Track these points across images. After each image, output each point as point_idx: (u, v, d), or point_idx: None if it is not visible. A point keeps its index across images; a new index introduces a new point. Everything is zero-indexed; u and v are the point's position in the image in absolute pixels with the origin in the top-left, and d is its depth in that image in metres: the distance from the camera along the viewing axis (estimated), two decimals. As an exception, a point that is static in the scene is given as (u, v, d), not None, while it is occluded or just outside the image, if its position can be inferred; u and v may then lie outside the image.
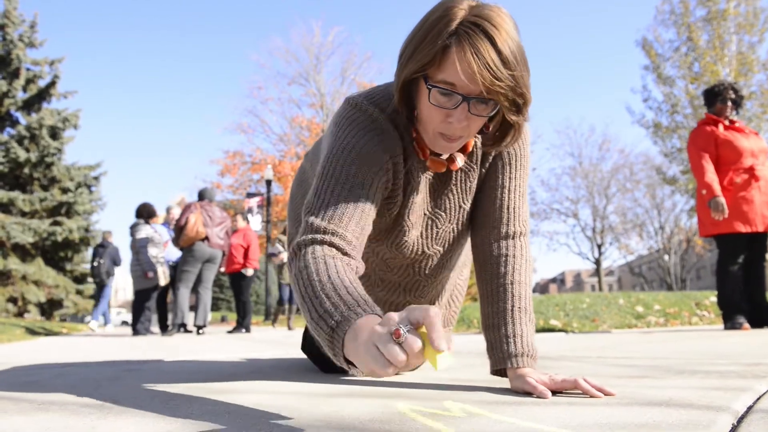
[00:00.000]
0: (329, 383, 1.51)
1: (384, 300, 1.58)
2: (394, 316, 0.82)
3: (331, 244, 1.13)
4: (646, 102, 20.01)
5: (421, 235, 1.42)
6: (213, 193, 7.76)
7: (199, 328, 7.12)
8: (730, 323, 4.24)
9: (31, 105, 19.33)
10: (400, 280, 1.52)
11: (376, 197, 1.24)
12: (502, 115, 1.20)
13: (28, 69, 19.52)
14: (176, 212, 8.07)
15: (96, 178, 20.24)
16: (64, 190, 19.15)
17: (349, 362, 0.92)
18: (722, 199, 4.15)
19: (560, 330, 5.19)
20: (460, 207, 1.42)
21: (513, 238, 1.39)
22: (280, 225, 20.54)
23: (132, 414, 1.07)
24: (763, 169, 4.33)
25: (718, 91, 4.52)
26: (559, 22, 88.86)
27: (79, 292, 19.25)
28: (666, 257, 34.26)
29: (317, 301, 0.98)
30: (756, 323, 4.27)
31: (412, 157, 1.31)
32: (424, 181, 1.36)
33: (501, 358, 1.31)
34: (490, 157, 1.40)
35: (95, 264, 9.93)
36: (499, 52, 1.07)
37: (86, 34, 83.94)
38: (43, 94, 19.43)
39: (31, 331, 7.70)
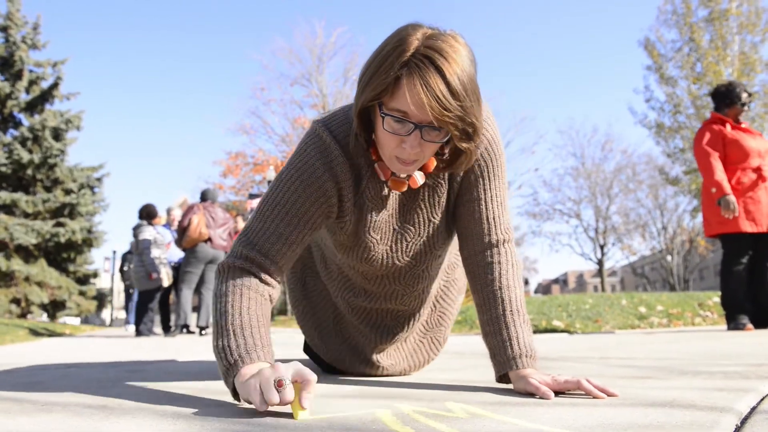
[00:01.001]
0: (332, 384, 1.52)
1: (369, 308, 1.63)
2: (280, 367, 1.04)
3: (251, 272, 1.28)
4: (649, 102, 19.97)
5: (391, 249, 1.47)
6: (215, 194, 7.77)
7: (201, 329, 7.14)
8: (733, 324, 4.23)
9: (33, 106, 19.39)
10: (379, 290, 1.57)
11: (312, 224, 1.34)
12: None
13: (30, 71, 19.58)
14: (177, 213, 8.08)
15: (99, 180, 20.28)
16: (67, 192, 19.19)
17: (234, 391, 1.14)
18: (733, 197, 4.14)
19: (563, 331, 5.18)
20: (429, 221, 1.46)
21: (497, 246, 1.43)
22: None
23: (135, 415, 1.07)
24: None
25: (738, 94, 4.47)
26: (562, 22, 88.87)
27: (82, 293, 19.29)
28: (669, 258, 34.20)
29: (225, 332, 1.18)
30: (759, 324, 4.26)
31: (369, 178, 1.36)
32: (391, 197, 1.40)
33: (502, 363, 1.33)
34: (461, 172, 1.42)
35: (124, 269, 10.10)
36: (447, 84, 1.11)
37: (89, 35, 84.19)
38: (46, 96, 19.48)
39: (35, 332, 7.71)
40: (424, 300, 1.65)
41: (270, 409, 1.03)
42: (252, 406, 1.09)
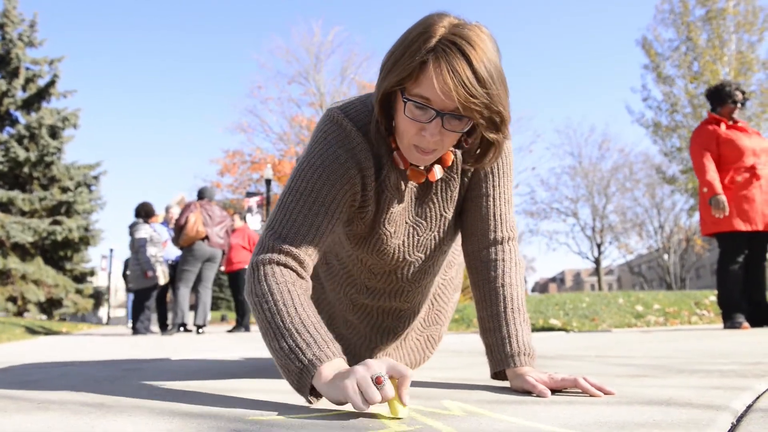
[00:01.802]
0: (329, 382, 1.51)
1: (371, 306, 1.62)
2: (374, 364, 1.01)
3: (289, 266, 1.23)
4: (646, 101, 20.01)
5: (403, 243, 1.45)
6: (212, 192, 7.76)
7: (198, 327, 7.13)
8: (729, 322, 4.24)
9: (30, 104, 19.34)
10: (384, 286, 1.56)
11: (340, 212, 1.30)
12: (482, 133, 1.22)
13: (27, 68, 19.53)
14: (175, 211, 8.07)
15: (96, 178, 20.26)
16: (64, 190, 19.15)
17: (311, 395, 1.10)
18: (723, 197, 4.16)
19: (560, 329, 5.19)
20: (441, 216, 1.45)
21: (501, 243, 1.43)
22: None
23: (131, 413, 1.07)
24: (764, 168, 4.33)
25: (729, 92, 4.49)
26: (560, 21, 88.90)
27: (78, 292, 19.26)
28: (665, 256, 34.28)
29: (286, 332, 1.12)
30: (755, 322, 4.27)
31: (389, 167, 1.34)
32: (405, 190, 1.39)
33: (499, 360, 1.33)
34: (472, 168, 1.42)
35: (128, 273, 10.11)
36: (474, 71, 1.09)
37: (86, 33, 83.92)
38: (43, 94, 19.43)
39: (31, 331, 7.70)
40: (425, 296, 1.64)
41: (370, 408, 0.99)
42: (316, 404, 1.07)
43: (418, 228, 1.44)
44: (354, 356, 1.70)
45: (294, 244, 1.24)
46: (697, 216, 24.99)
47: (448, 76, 1.09)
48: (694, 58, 18.31)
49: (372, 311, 1.63)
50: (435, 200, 1.42)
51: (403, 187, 1.37)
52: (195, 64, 79.45)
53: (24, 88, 19.41)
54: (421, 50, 1.12)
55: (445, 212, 1.45)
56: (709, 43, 17.96)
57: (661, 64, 19.29)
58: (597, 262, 32.04)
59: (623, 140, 53.04)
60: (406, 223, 1.43)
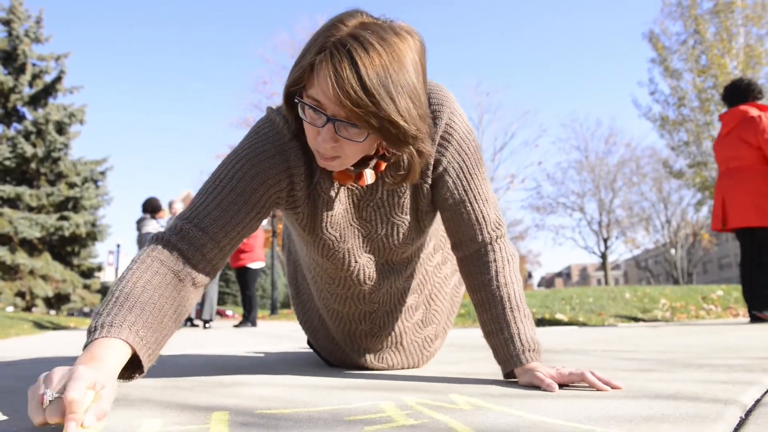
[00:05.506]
0: (336, 377, 1.52)
1: (341, 311, 1.59)
2: (55, 376, 0.87)
3: (178, 249, 1.19)
4: (653, 95, 19.87)
5: (352, 246, 1.42)
6: (218, 188, 7.78)
7: (205, 322, 7.16)
8: None
9: (37, 100, 19.43)
10: (345, 292, 1.53)
11: (261, 207, 1.27)
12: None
13: (34, 64, 19.62)
14: (178, 207, 8.10)
15: (102, 173, 20.36)
16: (71, 185, 19.25)
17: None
18: None
19: (567, 324, 5.18)
20: (388, 220, 1.40)
21: (490, 244, 1.40)
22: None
23: (140, 407, 1.07)
24: None
25: (750, 86, 4.37)
26: (567, 15, 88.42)
27: (86, 287, 19.38)
28: (672, 251, 34.13)
29: (108, 296, 1.09)
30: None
31: (323, 170, 1.30)
32: (346, 192, 1.35)
33: (506, 361, 1.32)
34: (429, 177, 1.37)
35: None
36: (359, 77, 1.01)
37: (92, 29, 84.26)
38: (49, 90, 19.52)
39: (39, 325, 7.75)
40: (400, 299, 1.59)
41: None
42: None
43: (362, 230, 1.41)
44: (351, 357, 1.67)
45: (199, 227, 1.21)
46: (704, 210, 24.74)
47: (329, 81, 1.02)
48: (702, 52, 18.16)
49: (344, 317, 1.60)
50: (380, 204, 1.38)
51: (337, 189, 1.34)
52: (200, 59, 79.63)
53: (31, 84, 19.50)
54: (315, 50, 1.06)
55: (393, 217, 1.40)
56: (717, 36, 17.80)
57: (669, 57, 19.14)
58: (603, 256, 31.96)
59: (630, 134, 52.90)
60: (351, 225, 1.40)
